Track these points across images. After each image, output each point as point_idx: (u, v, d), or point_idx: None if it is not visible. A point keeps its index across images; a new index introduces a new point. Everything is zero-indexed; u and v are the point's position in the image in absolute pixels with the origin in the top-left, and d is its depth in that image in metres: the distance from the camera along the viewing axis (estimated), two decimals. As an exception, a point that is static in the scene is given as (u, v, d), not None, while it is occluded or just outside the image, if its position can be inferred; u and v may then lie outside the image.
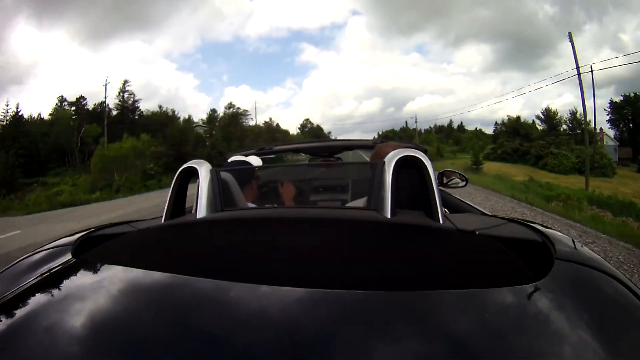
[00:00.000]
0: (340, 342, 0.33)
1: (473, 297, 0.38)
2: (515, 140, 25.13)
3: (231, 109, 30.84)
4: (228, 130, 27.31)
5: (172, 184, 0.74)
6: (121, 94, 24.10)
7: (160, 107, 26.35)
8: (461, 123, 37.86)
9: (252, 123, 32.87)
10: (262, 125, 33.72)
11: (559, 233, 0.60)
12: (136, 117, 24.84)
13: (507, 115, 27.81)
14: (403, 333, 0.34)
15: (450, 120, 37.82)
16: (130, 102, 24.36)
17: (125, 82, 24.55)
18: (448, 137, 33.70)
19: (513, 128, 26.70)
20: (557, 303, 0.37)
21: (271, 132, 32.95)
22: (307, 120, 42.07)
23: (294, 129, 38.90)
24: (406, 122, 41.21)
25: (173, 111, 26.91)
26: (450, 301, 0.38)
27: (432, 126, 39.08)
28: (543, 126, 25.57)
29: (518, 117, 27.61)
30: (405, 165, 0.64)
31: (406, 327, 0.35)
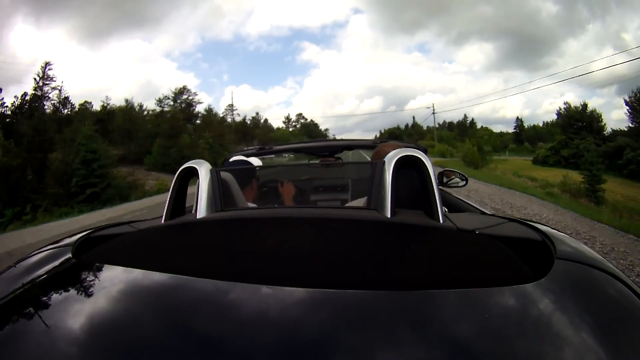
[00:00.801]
0: (341, 342, 0.33)
1: (473, 297, 0.38)
2: (588, 137, 17.77)
3: (186, 96, 23.32)
4: (156, 123, 19.73)
5: (172, 184, 0.75)
6: (39, 82, 15.43)
7: (126, 100, 20.11)
8: (472, 120, 34.80)
9: (237, 119, 28.56)
10: (247, 120, 29.28)
11: (560, 232, 0.59)
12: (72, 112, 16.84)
13: (566, 103, 21.83)
14: (403, 332, 0.34)
15: (465, 116, 34.74)
16: (51, 92, 15.51)
17: (47, 64, 15.86)
18: (463, 135, 29.95)
19: (578, 120, 19.28)
20: (557, 302, 0.37)
21: (247, 129, 27.69)
22: (299, 115, 38.61)
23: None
24: (414, 117, 38.45)
25: (141, 105, 20.52)
26: (450, 300, 0.38)
27: (440, 123, 35.79)
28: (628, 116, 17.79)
29: (585, 105, 20.49)
30: (405, 165, 0.64)
31: (406, 327, 0.35)
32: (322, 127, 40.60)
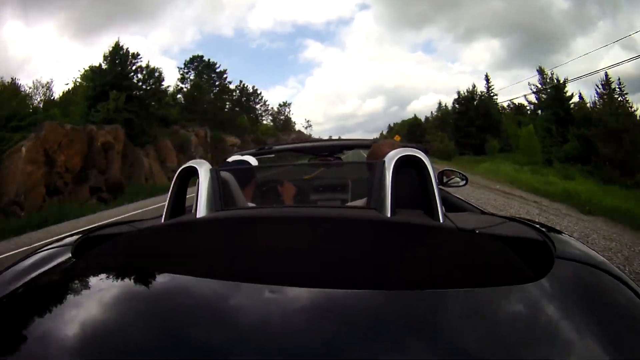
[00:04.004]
0: (341, 342, 0.33)
1: (473, 296, 0.38)
2: None
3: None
4: None
5: (172, 184, 0.75)
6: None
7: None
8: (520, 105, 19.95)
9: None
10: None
11: (560, 232, 0.59)
12: None
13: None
14: (402, 332, 0.34)
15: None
16: None
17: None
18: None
19: None
20: (557, 302, 0.37)
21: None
22: (195, 58, 22.29)
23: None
24: (475, 84, 22.34)
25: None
26: (450, 300, 0.39)
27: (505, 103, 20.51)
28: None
29: None
30: (405, 165, 0.64)
31: (405, 326, 0.35)
32: (264, 97, 27.74)
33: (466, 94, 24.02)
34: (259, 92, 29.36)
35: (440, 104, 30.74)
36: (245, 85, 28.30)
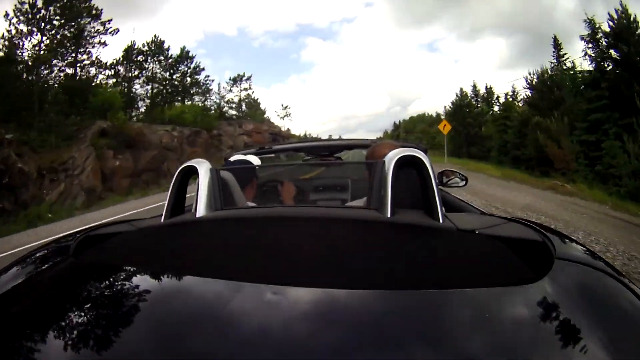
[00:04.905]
0: (341, 341, 0.33)
1: (472, 297, 0.38)
2: None
3: None
4: None
5: (172, 183, 0.75)
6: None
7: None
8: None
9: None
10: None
11: (560, 233, 0.59)
12: None
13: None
14: (401, 332, 0.34)
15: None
16: None
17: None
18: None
19: None
20: (556, 303, 0.37)
21: None
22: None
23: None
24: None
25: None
26: (449, 301, 0.39)
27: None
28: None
29: None
30: (405, 165, 0.64)
31: (405, 326, 0.35)
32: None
33: (617, 21, 9.61)
34: (192, 55, 17.97)
35: (475, 86, 21.60)
36: (161, 41, 16.51)
